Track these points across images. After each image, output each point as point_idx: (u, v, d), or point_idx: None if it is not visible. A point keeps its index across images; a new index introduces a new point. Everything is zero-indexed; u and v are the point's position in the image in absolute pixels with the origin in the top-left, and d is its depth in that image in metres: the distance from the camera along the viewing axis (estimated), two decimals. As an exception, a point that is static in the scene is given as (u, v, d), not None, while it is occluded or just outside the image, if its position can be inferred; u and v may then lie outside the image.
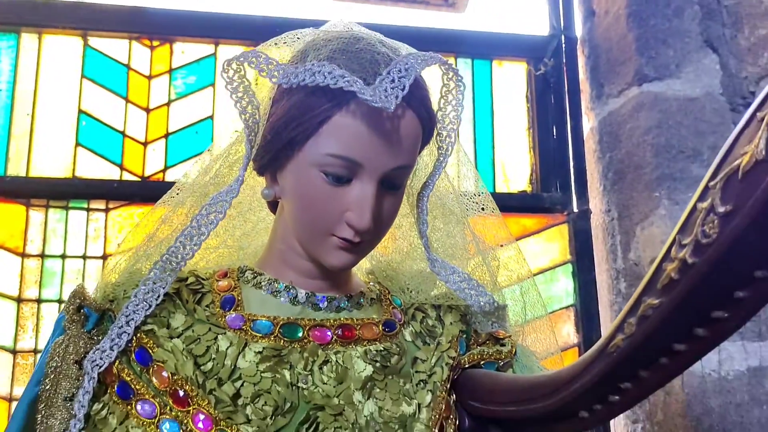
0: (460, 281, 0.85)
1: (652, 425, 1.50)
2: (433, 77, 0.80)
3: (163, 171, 1.59)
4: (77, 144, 1.56)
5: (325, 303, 0.81)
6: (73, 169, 1.55)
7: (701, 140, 1.53)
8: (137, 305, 0.75)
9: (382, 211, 0.75)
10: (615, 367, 0.59)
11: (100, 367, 0.72)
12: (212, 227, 0.74)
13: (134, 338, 0.75)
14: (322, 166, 0.71)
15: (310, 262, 0.80)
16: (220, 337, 0.76)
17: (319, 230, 0.75)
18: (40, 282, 1.49)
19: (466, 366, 0.85)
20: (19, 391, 1.43)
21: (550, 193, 1.73)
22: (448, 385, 0.81)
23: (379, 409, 0.77)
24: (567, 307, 1.68)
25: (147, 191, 1.57)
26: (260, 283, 0.82)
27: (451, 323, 0.88)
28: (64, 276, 1.50)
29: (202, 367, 0.74)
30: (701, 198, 0.51)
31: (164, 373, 0.73)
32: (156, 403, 0.71)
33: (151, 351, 0.74)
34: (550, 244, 1.72)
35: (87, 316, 0.77)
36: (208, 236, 0.75)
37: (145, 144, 1.59)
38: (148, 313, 0.75)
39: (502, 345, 0.89)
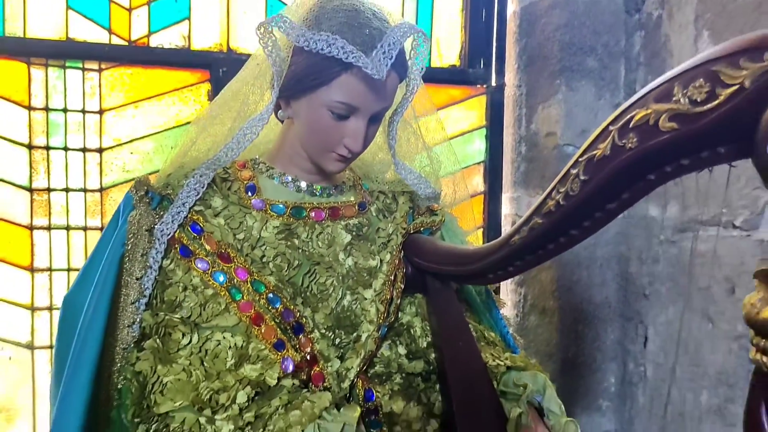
0: (415, 178, 1.14)
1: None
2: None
3: (148, 36, 1.70)
4: (68, 7, 1.63)
5: (319, 191, 1.09)
6: (66, 31, 1.64)
7: (597, 38, 1.79)
8: (189, 192, 1.01)
9: (367, 136, 1.01)
10: (512, 253, 0.91)
11: (168, 234, 0.99)
12: (248, 143, 0.99)
13: (188, 216, 1.02)
14: (330, 107, 0.95)
15: (310, 164, 1.06)
16: (247, 215, 1.04)
17: (322, 148, 1.01)
18: (47, 132, 1.64)
19: (412, 232, 1.17)
20: (38, 221, 1.66)
21: (474, 69, 1.95)
22: (401, 247, 1.14)
23: (355, 263, 1.08)
24: (478, 163, 1.99)
25: (134, 54, 1.69)
26: (272, 174, 1.08)
27: (402, 203, 1.18)
28: (67, 127, 1.65)
29: (237, 237, 1.02)
30: (573, 166, 0.81)
31: (213, 240, 1.01)
32: (208, 261, 1.00)
33: (201, 225, 1.01)
34: (470, 111, 1.97)
35: (151, 198, 1.02)
36: (242, 150, 1.00)
37: (129, 10, 1.67)
38: (197, 198, 1.02)
39: (435, 215, 1.21)
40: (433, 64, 1.94)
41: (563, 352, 1.87)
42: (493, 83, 1.97)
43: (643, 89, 0.72)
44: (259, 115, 0.99)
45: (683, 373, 1.69)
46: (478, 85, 1.98)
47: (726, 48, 0.61)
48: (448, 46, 1.96)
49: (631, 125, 0.71)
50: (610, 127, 0.76)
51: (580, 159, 0.80)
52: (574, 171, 0.81)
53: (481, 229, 1.98)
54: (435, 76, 1.91)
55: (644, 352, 1.81)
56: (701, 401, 1.65)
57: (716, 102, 0.62)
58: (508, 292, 1.99)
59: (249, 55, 1.62)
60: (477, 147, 1.99)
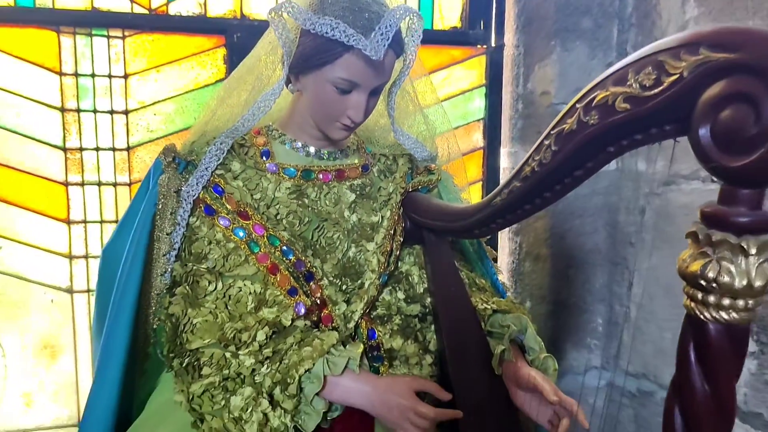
0: (412, 144, 1.23)
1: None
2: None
3: (166, 4, 1.75)
4: (91, -23, 1.70)
5: (326, 155, 1.20)
6: (91, 1, 1.70)
7: None
8: (211, 158, 1.11)
9: (368, 108, 1.10)
10: (494, 212, 1.01)
11: (194, 195, 1.10)
12: (262, 115, 1.08)
13: (211, 179, 1.12)
14: (334, 83, 1.04)
15: (318, 131, 1.16)
16: (263, 178, 1.14)
17: (328, 118, 1.10)
18: (77, 96, 1.72)
19: (410, 190, 1.27)
20: (72, 177, 1.76)
21: (474, 30, 1.99)
22: (400, 204, 1.24)
23: (359, 219, 1.19)
24: (478, 120, 2.05)
25: (155, 22, 1.75)
26: (284, 141, 1.18)
27: (402, 164, 1.27)
28: (95, 91, 1.73)
29: (254, 197, 1.14)
30: (546, 138, 0.90)
31: (233, 200, 1.12)
32: (229, 218, 1.11)
33: (223, 186, 1.12)
34: (471, 71, 2.02)
35: (178, 163, 1.13)
36: (257, 120, 1.10)
37: (149, -21, 1.75)
38: (218, 163, 1.12)
39: (432, 174, 1.30)
40: (435, 26, 1.99)
41: (555, 295, 1.99)
42: (493, 44, 2.01)
43: (604, 72, 0.81)
44: (271, 90, 1.08)
45: (663, 314, 1.81)
46: (479, 46, 2.01)
47: (671, 41, 0.70)
48: (449, 8, 2.00)
49: (593, 104, 0.80)
50: (577, 105, 0.85)
51: (552, 132, 0.89)
52: (546, 142, 0.90)
53: (481, 182, 2.07)
54: (437, 38, 1.97)
55: (629, 294, 1.92)
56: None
57: (661, 88, 0.70)
58: (505, 240, 2.10)
59: (261, 21, 1.72)
60: (477, 105, 2.05)
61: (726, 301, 0.68)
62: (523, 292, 2.04)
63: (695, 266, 0.70)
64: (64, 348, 1.85)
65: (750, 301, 0.67)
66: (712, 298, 0.68)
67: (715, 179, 1.75)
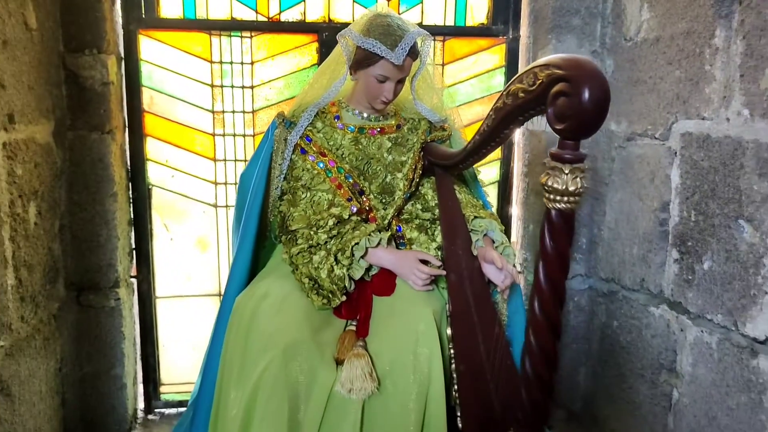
0: (428, 112, 1.72)
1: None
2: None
3: (279, 14, 2.25)
4: (231, -3, 2.24)
5: (373, 119, 1.73)
6: (231, 13, 2.24)
7: (581, 3, 2.21)
8: (305, 120, 1.66)
9: (397, 90, 1.62)
10: (467, 154, 1.49)
11: (294, 142, 1.68)
12: (335, 94, 1.61)
13: (304, 132, 1.71)
14: (375, 76, 1.54)
15: (368, 104, 1.66)
16: (335, 132, 1.69)
17: (373, 97, 1.61)
18: (221, 76, 2.25)
19: (428, 141, 1.80)
20: (218, 131, 2.30)
21: (497, 26, 2.37)
22: (420, 150, 1.78)
23: (393, 159, 1.70)
24: (499, 92, 2.48)
25: (272, 26, 2.24)
26: (348, 109, 1.72)
27: (423, 124, 1.76)
28: (233, 73, 2.26)
29: (329, 143, 1.71)
30: (491, 111, 1.41)
31: (317, 145, 1.70)
32: (314, 156, 1.66)
33: (312, 137, 1.66)
34: (494, 55, 2.41)
35: (286, 123, 1.73)
36: (332, 97, 1.67)
37: (268, -5, 2.25)
38: (309, 122, 1.70)
39: (444, 131, 1.83)
40: (468, 23, 2.38)
41: (549, 221, 2.45)
42: (511, 36, 2.38)
43: (515, 77, 1.30)
44: (339, 80, 1.62)
45: (625, 234, 2.22)
46: (500, 37, 2.40)
47: (541, 62, 1.16)
48: (478, 9, 2.39)
49: (509, 93, 1.27)
50: (503, 93, 1.35)
51: (493, 107, 1.40)
52: (491, 113, 1.41)
53: (500, 138, 2.54)
54: (468, 32, 2.37)
55: (603, 220, 2.34)
56: (633, 252, 2.18)
57: (535, 86, 1.16)
58: (518, 180, 2.58)
59: (342, 23, 2.25)
60: (498, 81, 2.45)
61: (558, 197, 1.13)
62: (529, 217, 2.49)
63: (544, 179, 1.15)
64: (210, 243, 2.44)
65: (571, 198, 1.13)
66: (551, 196, 1.14)
67: (657, 137, 2.28)
